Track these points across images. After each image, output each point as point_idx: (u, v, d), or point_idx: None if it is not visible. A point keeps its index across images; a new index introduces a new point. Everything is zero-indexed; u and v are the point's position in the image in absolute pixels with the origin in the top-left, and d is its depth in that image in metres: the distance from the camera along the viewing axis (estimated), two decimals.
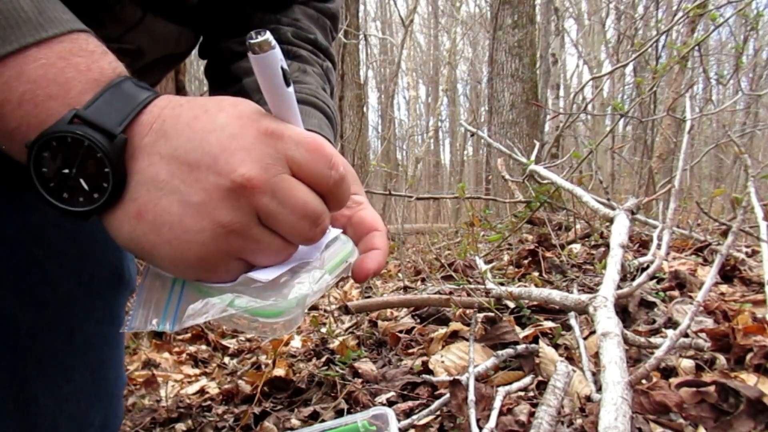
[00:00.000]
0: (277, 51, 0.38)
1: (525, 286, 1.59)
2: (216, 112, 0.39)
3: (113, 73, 0.38)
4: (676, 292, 1.51)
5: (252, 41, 0.37)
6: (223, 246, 0.38)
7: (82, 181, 0.37)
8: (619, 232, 1.58)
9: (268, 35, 0.37)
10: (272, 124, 0.39)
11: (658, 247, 1.73)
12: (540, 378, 1.11)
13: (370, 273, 0.47)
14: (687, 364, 1.05)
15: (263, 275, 0.41)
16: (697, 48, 3.23)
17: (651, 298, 1.41)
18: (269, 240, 0.39)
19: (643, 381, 0.96)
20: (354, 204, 0.51)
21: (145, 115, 0.38)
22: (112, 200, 0.37)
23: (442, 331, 1.40)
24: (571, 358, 1.17)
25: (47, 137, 0.36)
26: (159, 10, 0.61)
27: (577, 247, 2.32)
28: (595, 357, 1.03)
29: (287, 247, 0.41)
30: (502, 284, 1.66)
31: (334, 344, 1.53)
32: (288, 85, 0.40)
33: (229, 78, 0.71)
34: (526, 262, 2.11)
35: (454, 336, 1.39)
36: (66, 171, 0.36)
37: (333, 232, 0.48)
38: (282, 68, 0.39)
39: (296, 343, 1.73)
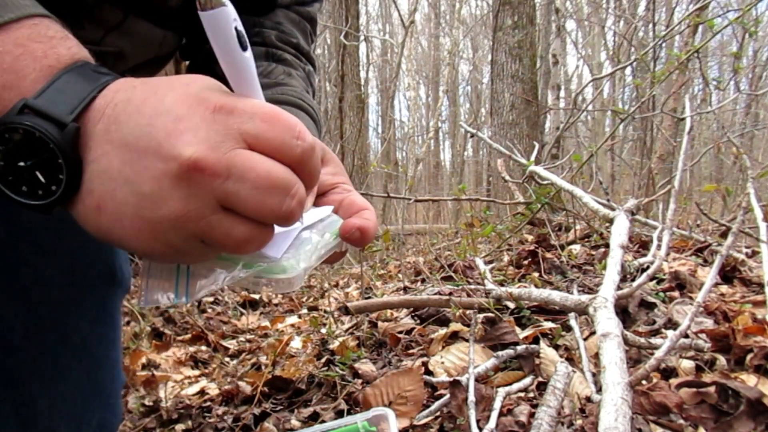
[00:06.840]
0: (230, 9, 0.35)
1: (525, 287, 1.59)
2: (165, 93, 0.36)
3: (71, 59, 0.37)
4: (676, 293, 1.51)
5: None
6: (185, 235, 0.36)
7: (38, 173, 0.35)
8: (619, 233, 1.58)
9: None
10: (222, 98, 0.36)
11: (658, 247, 1.73)
12: (540, 379, 1.11)
13: (354, 227, 0.45)
14: (687, 364, 1.05)
15: (271, 252, 0.41)
16: (696, 53, 3.23)
17: (651, 299, 1.41)
18: (229, 226, 0.36)
19: (643, 382, 0.95)
20: (344, 191, 0.51)
21: (99, 99, 0.36)
22: (70, 192, 0.36)
23: (442, 331, 1.40)
24: (572, 359, 1.17)
25: None
26: (140, 12, 0.61)
27: (577, 248, 2.31)
28: (596, 358, 1.03)
29: (256, 231, 0.37)
30: (502, 285, 1.66)
31: (334, 345, 1.53)
32: (244, 49, 0.36)
33: None
34: (526, 262, 2.11)
35: (454, 337, 1.39)
36: (22, 164, 0.35)
37: (326, 209, 0.49)
38: (236, 29, 0.35)
39: (296, 343, 1.73)
